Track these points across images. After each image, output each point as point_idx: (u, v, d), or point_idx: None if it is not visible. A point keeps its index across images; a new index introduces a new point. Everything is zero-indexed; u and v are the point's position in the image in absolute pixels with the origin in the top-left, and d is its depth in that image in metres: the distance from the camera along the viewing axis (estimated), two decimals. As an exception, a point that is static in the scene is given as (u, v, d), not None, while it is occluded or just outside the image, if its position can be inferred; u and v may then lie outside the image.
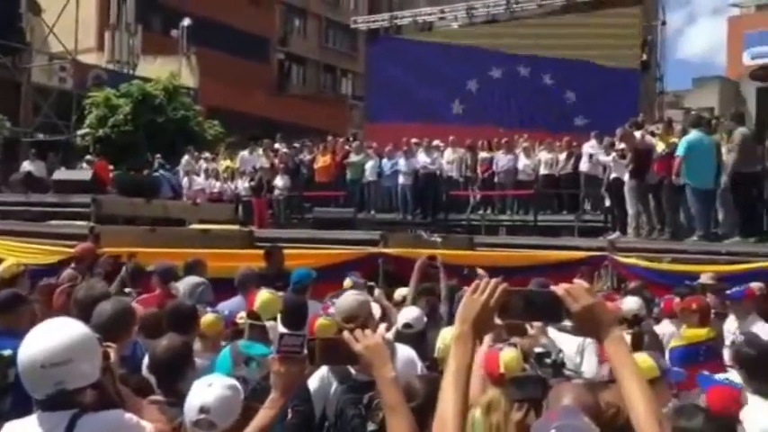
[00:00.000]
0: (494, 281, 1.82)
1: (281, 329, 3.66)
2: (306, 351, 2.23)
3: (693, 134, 10.39)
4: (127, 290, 6.40)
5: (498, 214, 15.21)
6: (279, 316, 4.22)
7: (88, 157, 19.78)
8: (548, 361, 3.07)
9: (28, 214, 11.63)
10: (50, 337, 2.22)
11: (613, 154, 11.97)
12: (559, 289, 1.78)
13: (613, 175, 11.99)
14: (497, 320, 1.87)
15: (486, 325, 1.83)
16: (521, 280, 7.32)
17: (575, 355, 4.61)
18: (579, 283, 1.82)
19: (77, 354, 2.21)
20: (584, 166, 13.83)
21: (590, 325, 1.77)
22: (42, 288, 5.72)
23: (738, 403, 2.98)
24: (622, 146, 11.51)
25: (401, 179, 15.50)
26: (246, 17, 36.71)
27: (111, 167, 15.62)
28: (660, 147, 10.97)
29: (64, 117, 24.46)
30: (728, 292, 6.36)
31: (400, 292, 6.62)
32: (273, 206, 16.54)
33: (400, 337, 4.41)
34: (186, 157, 18.53)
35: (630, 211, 11.27)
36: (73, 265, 7.18)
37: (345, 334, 2.14)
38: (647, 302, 6.44)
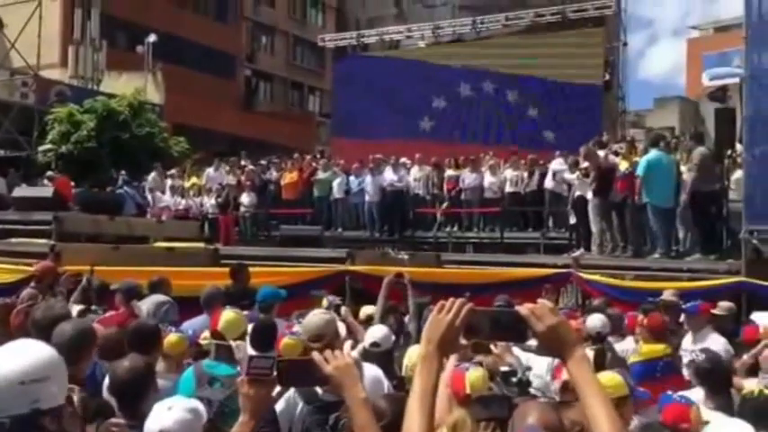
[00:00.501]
0: (459, 301, 1.82)
1: (251, 351, 3.62)
2: (275, 373, 2.21)
3: (653, 153, 10.62)
4: (93, 307, 6.28)
5: (465, 231, 15.28)
6: (248, 337, 4.18)
7: (49, 173, 19.45)
8: (513, 380, 3.09)
9: (-12, 232, 11.39)
10: (26, 353, 2.13)
11: (577, 172, 12.14)
12: (524, 309, 1.79)
13: (577, 193, 12.15)
14: (462, 340, 1.87)
15: (451, 345, 1.83)
16: (488, 297, 7.41)
17: (545, 374, 4.63)
18: (543, 302, 1.83)
19: (53, 371, 2.14)
20: (548, 183, 14.01)
21: (554, 344, 1.78)
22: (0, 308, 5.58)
23: (689, 420, 3.02)
24: (586, 164, 11.69)
25: (368, 196, 15.53)
26: (213, 33, 36.64)
27: (72, 184, 15.36)
28: (623, 165, 11.16)
29: (25, 133, 23.99)
30: (684, 306, 6.50)
31: (365, 311, 6.60)
32: (240, 223, 16.43)
33: (368, 355, 4.40)
34: (153, 174, 18.30)
35: (594, 228, 11.43)
36: (33, 284, 7.03)
37: (315, 355, 2.13)
38: (615, 319, 6.50)
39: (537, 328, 1.76)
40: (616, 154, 11.96)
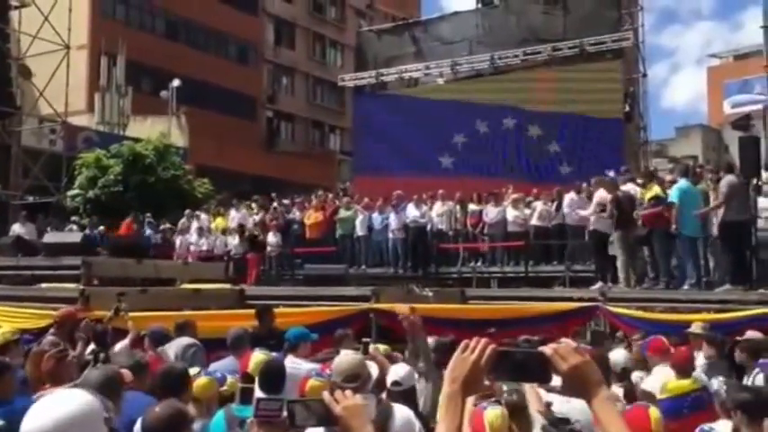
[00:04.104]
0: (484, 340, 1.82)
1: (259, 394, 3.61)
2: (285, 414, 2.20)
3: (683, 183, 10.55)
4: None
5: (489, 266, 15.21)
6: (256, 380, 4.17)
7: (74, 218, 19.83)
8: (567, 427, 3.01)
9: (18, 278, 11.59)
10: (67, 402, 2.12)
11: (592, 207, 12.08)
12: (548, 349, 1.79)
13: (592, 228, 12.08)
14: (485, 381, 1.86)
15: (475, 384, 1.82)
16: (514, 332, 7.35)
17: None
18: (567, 342, 1.83)
19: (92, 419, 2.15)
20: (568, 217, 13.96)
21: (578, 384, 1.77)
22: (34, 355, 5.64)
23: None
24: (598, 197, 11.66)
25: (391, 233, 15.55)
26: (235, 77, 37.33)
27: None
28: (647, 196, 11.08)
29: (54, 179, 24.53)
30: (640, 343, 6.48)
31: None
32: (265, 263, 16.50)
33: (390, 394, 4.37)
34: (203, 215, 18.52)
35: (619, 261, 11.32)
36: (52, 330, 7.06)
37: (325, 395, 2.12)
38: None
39: (561, 368, 1.75)
40: (637, 185, 11.89)
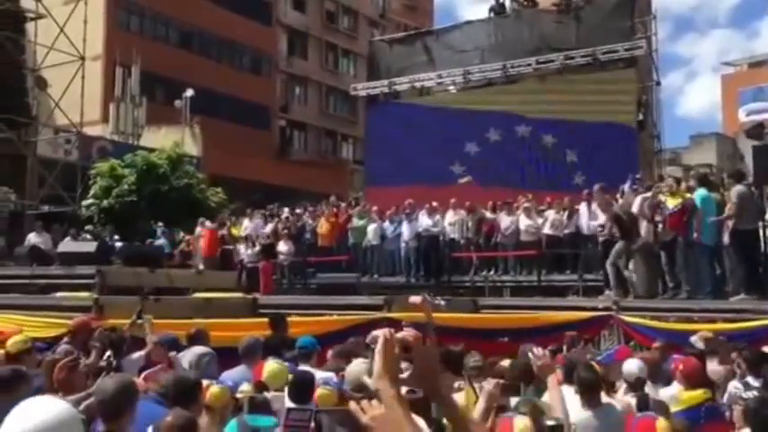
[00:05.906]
0: (384, 331, 1.87)
1: (289, 404, 3.64)
2: (313, 424, 2.23)
3: (702, 191, 10.52)
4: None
5: (502, 275, 15.16)
6: (286, 390, 4.18)
7: (88, 227, 19.97)
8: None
9: (33, 287, 11.69)
10: (42, 411, 2.11)
11: (598, 220, 12.11)
12: (410, 336, 1.85)
13: (602, 238, 12.05)
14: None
15: (397, 375, 1.87)
16: (527, 341, 7.33)
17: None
18: (409, 329, 1.88)
19: (66, 430, 2.15)
20: (582, 226, 13.92)
21: (426, 372, 1.83)
22: (48, 364, 5.69)
23: None
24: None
25: (404, 242, 15.54)
26: (248, 86, 37.56)
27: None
28: (671, 203, 10.99)
29: (69, 189, 24.73)
30: (599, 357, 6.45)
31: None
32: (277, 272, 16.55)
33: (405, 402, 4.37)
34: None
35: (624, 271, 11.29)
36: (66, 339, 7.10)
37: (352, 405, 2.14)
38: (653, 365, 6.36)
39: (417, 353, 1.80)
40: (662, 192, 11.81)
